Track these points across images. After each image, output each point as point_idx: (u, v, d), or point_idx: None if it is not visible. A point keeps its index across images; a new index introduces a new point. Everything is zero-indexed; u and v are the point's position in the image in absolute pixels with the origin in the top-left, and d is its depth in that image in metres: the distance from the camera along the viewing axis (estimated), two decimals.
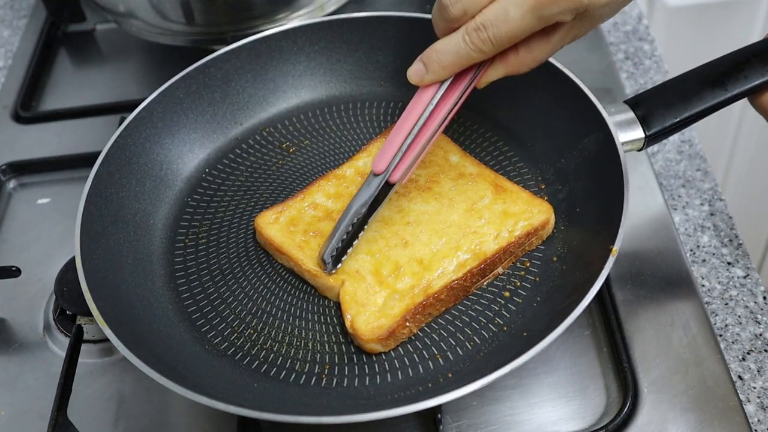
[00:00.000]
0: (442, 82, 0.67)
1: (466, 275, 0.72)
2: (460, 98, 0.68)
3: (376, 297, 0.71)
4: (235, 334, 0.73)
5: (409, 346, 0.70)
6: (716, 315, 0.75)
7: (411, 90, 0.94)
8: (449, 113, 0.69)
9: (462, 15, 0.62)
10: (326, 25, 0.90)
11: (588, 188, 0.76)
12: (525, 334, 0.68)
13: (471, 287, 0.73)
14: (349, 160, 0.83)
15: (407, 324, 0.70)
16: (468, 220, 0.76)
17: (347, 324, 0.70)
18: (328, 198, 0.80)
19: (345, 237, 0.72)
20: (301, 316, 0.74)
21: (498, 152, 0.84)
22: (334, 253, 0.72)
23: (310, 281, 0.75)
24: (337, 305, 0.73)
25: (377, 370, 0.69)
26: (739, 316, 0.75)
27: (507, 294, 0.73)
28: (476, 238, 0.74)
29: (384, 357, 0.70)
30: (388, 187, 0.70)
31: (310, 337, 0.72)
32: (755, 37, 1.28)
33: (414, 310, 0.70)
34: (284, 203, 0.80)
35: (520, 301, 0.72)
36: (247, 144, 0.89)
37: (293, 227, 0.78)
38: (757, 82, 0.73)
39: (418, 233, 0.75)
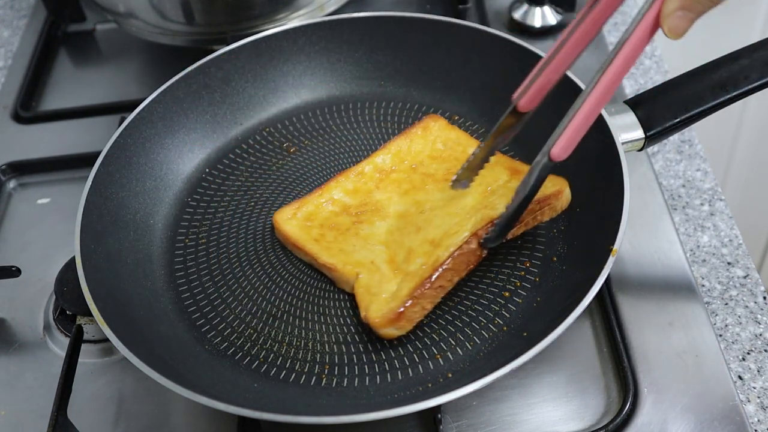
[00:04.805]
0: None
1: (473, 236, 0.70)
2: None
3: (389, 284, 0.71)
4: (235, 334, 0.73)
5: (409, 346, 0.70)
6: (716, 315, 0.75)
7: (411, 90, 0.95)
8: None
9: None
10: (326, 25, 0.90)
11: (588, 188, 0.76)
12: (525, 334, 0.68)
13: (480, 252, 0.71)
14: (369, 157, 0.83)
15: (418, 301, 0.68)
16: (482, 200, 0.75)
17: (362, 316, 0.70)
18: (346, 194, 0.80)
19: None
20: (302, 316, 0.74)
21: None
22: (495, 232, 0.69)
23: (327, 274, 0.75)
24: (336, 306, 0.74)
25: (377, 370, 0.69)
26: (739, 316, 0.75)
27: (507, 294, 0.73)
28: (488, 210, 0.73)
29: (384, 357, 0.70)
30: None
31: (310, 337, 0.72)
32: (755, 37, 1.28)
33: (422, 285, 0.69)
34: (302, 200, 0.80)
35: (520, 301, 0.72)
36: (247, 144, 0.89)
37: (310, 222, 0.78)
38: (757, 83, 0.73)
39: (432, 218, 0.75)
